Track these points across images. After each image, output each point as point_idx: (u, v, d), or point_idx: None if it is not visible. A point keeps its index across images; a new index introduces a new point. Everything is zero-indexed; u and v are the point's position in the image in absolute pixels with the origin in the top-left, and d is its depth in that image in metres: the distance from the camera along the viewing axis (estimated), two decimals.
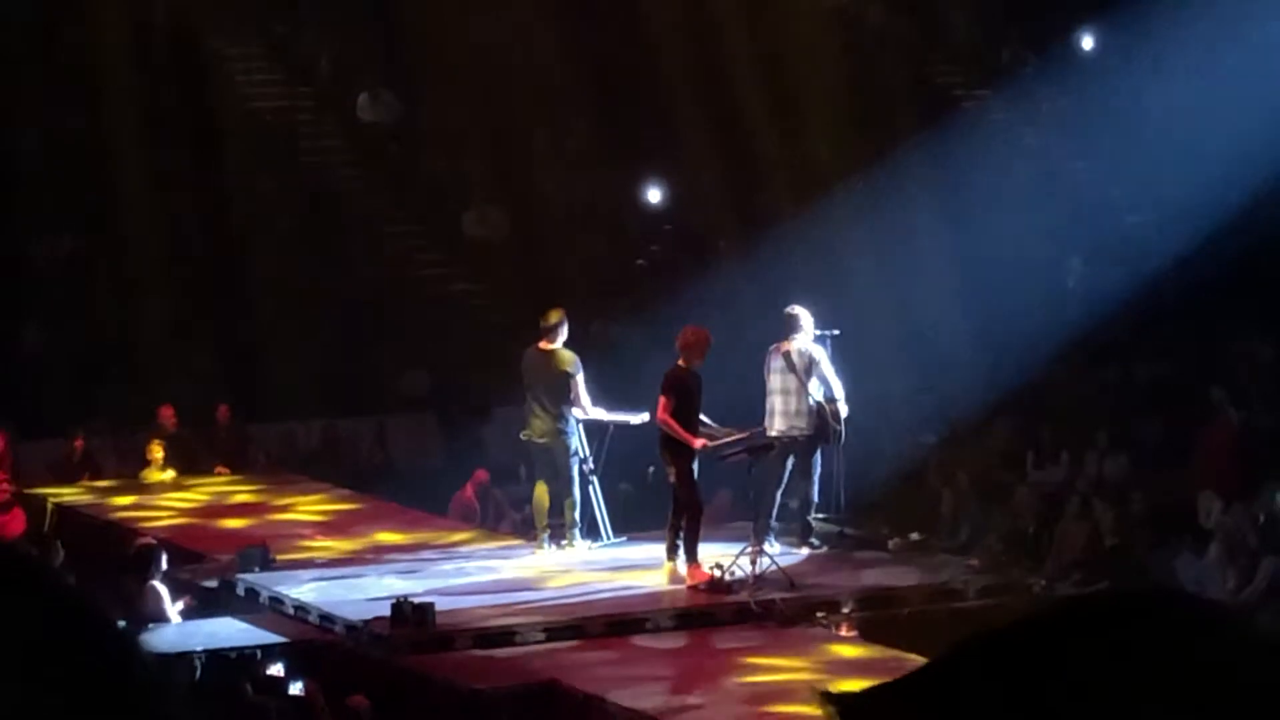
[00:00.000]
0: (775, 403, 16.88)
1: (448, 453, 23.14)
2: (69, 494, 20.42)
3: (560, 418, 17.04)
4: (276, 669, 14.06)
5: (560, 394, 17.00)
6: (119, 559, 16.27)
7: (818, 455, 16.98)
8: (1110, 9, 26.11)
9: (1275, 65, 23.54)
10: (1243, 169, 22.80)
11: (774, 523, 16.92)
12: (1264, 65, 23.65)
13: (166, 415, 22.26)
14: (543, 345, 17.19)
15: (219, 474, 21.84)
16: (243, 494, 20.57)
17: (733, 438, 16.19)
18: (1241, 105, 23.74)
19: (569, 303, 18.12)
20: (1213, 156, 23.39)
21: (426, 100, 27.84)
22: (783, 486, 16.92)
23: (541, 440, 17.19)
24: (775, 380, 16.91)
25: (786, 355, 16.89)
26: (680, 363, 16.19)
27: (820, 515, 17.22)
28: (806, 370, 16.82)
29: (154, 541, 16.32)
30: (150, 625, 14.75)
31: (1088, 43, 27.73)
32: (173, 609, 15.37)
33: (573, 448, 17.13)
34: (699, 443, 15.95)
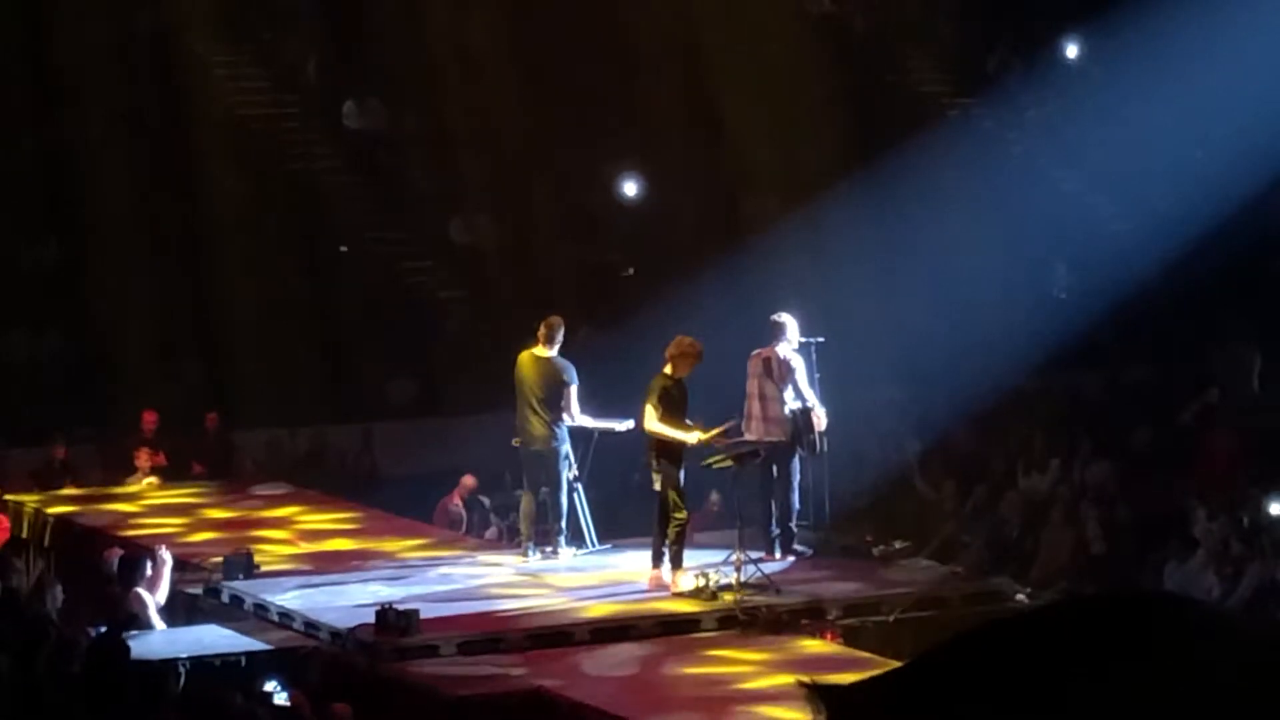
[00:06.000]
0: (753, 408, 16.94)
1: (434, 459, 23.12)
2: (56, 503, 20.35)
3: (554, 424, 17.05)
4: (271, 686, 14.03)
5: (554, 401, 17.02)
6: (104, 566, 16.25)
7: (797, 462, 17.00)
8: (1095, 18, 26.16)
9: (1259, 74, 23.59)
10: (1227, 176, 22.86)
11: (774, 529, 16.93)
12: (1248, 74, 23.71)
13: (149, 420, 22.25)
14: (538, 351, 17.20)
15: (197, 475, 21.85)
16: (229, 502, 20.51)
17: (721, 438, 16.20)
18: (1226, 113, 23.80)
19: (555, 309, 18.13)
20: (1197, 163, 23.46)
21: (413, 107, 27.83)
22: (773, 492, 16.95)
23: (534, 447, 17.19)
24: (754, 386, 16.97)
25: (766, 362, 16.95)
26: (666, 370, 16.19)
27: (804, 522, 17.23)
28: (783, 378, 16.86)
29: (157, 549, 16.20)
30: (134, 632, 14.72)
31: (1073, 51, 27.77)
32: (156, 616, 15.35)
33: (564, 454, 17.15)
34: (694, 437, 15.96)
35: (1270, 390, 21.79)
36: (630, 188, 27.25)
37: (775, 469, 16.96)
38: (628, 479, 19.15)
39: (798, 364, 16.91)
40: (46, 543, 19.12)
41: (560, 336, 17.19)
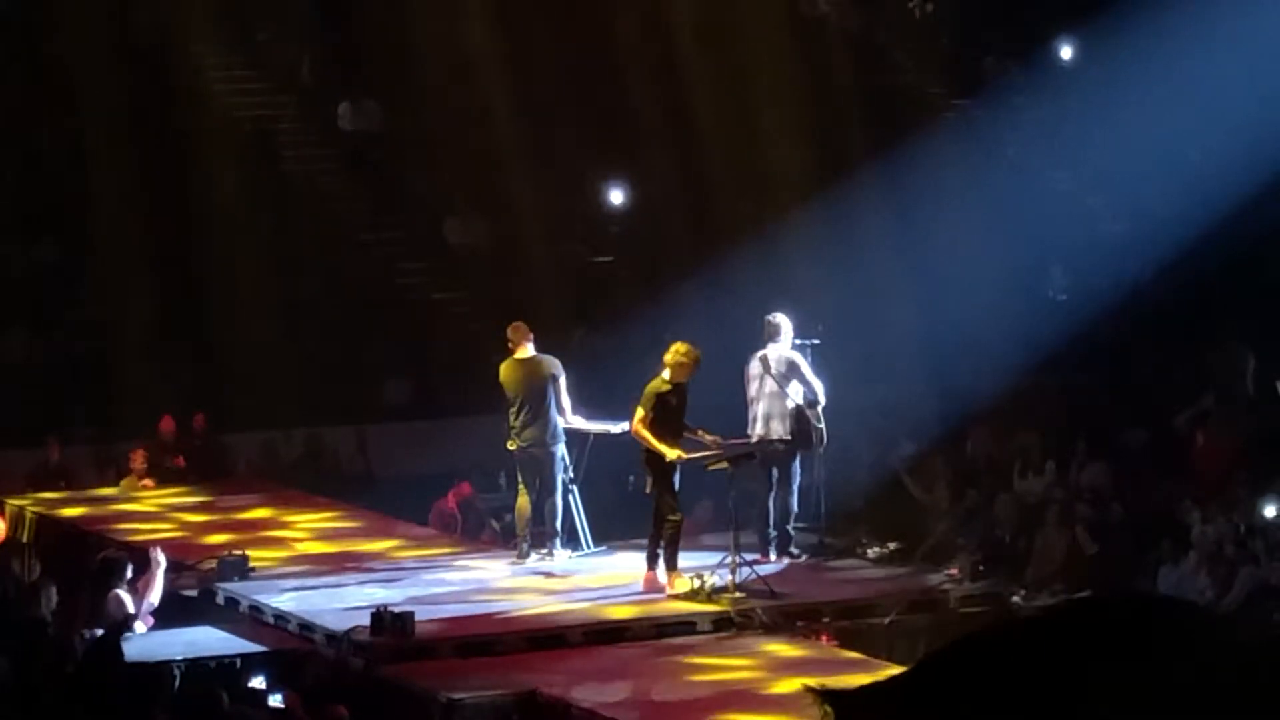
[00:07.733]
0: (757, 409, 16.97)
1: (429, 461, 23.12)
2: (51, 505, 20.33)
3: (548, 425, 17.07)
4: (258, 682, 14.04)
5: (546, 399, 17.04)
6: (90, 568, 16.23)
7: (796, 464, 17.03)
8: (1090, 19, 26.16)
9: (1254, 75, 23.60)
10: (1222, 177, 22.86)
11: (772, 531, 16.96)
12: (1243, 75, 23.72)
13: (167, 425, 22.34)
14: (519, 355, 17.22)
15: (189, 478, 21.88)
16: (222, 503, 20.49)
17: (709, 452, 16.21)
18: (1221, 114, 23.80)
19: (550, 311, 18.18)
20: (1192, 165, 23.45)
21: (408, 109, 27.82)
22: (773, 494, 16.97)
23: (530, 450, 17.20)
24: (754, 387, 17.01)
25: (764, 361, 16.98)
26: (664, 376, 16.21)
27: (800, 524, 17.26)
28: (785, 376, 16.90)
29: (152, 551, 16.14)
30: (119, 634, 14.69)
31: (1068, 52, 27.78)
32: (137, 618, 15.29)
33: (559, 456, 17.16)
34: (673, 455, 15.99)
35: (1265, 393, 21.80)
36: (624, 190, 27.24)
37: (775, 471, 16.98)
38: (623, 481, 19.16)
39: (798, 358, 16.98)
40: (41, 544, 19.10)
41: (531, 336, 17.23)
